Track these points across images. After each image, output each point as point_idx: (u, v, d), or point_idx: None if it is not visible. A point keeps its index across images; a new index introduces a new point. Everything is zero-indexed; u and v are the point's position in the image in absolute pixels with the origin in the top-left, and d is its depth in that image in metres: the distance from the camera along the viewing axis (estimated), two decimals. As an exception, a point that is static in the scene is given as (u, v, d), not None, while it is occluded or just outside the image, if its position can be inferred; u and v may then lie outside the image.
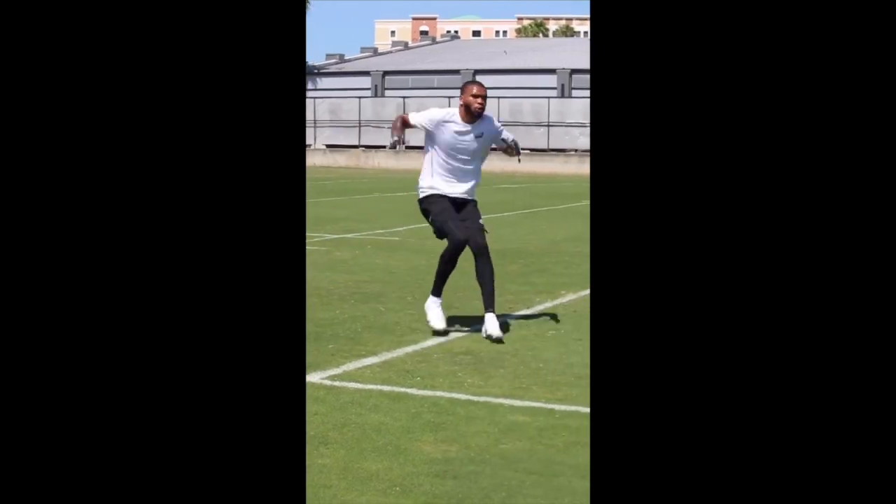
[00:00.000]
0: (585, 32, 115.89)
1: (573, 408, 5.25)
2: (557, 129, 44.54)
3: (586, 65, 56.40)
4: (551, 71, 54.88)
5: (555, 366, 6.21)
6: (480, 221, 7.29)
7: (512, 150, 7.43)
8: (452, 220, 7.17)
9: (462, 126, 7.24)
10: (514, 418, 5.05)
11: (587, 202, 22.08)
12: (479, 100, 7.22)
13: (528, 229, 15.36)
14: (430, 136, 7.29)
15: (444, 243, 7.26)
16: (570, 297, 8.87)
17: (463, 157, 7.29)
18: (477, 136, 7.28)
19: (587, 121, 44.41)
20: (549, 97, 46.86)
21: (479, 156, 7.38)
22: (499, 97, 45.52)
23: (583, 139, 44.51)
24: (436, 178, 7.31)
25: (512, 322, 7.65)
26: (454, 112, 7.27)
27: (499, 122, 7.68)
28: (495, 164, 40.90)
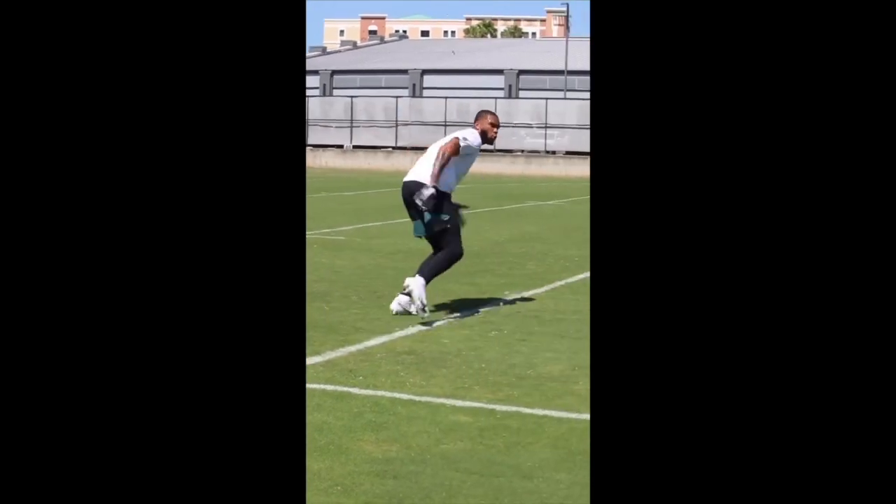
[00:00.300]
0: (534, 33, 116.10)
1: (514, 408, 5.29)
2: (504, 130, 44.52)
3: (534, 65, 56.63)
4: (499, 71, 54.97)
5: (497, 366, 6.26)
6: (460, 211, 8.32)
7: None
8: (459, 233, 8.13)
9: (479, 147, 8.22)
10: (455, 418, 5.09)
11: (533, 203, 22.17)
12: (495, 130, 8.32)
13: (471, 230, 15.37)
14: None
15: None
16: (514, 296, 8.93)
17: (462, 173, 8.24)
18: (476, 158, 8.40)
19: (534, 122, 44.57)
20: (496, 97, 46.96)
21: None
22: (446, 97, 45.59)
23: (529, 140, 44.64)
24: (449, 181, 8.04)
25: (454, 322, 7.69)
26: (478, 137, 8.17)
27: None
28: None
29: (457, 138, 7.97)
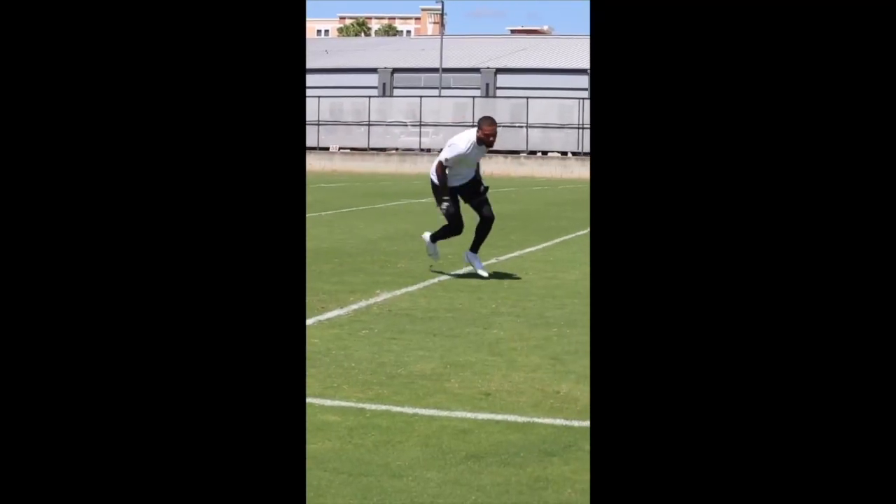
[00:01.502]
0: (409, 31, 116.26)
1: (384, 407, 5.23)
2: (378, 128, 44.59)
3: (408, 64, 56.70)
4: (373, 70, 54.88)
5: (367, 365, 6.19)
6: (482, 191, 10.10)
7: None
8: (460, 215, 10.02)
9: (476, 151, 9.80)
10: (324, 417, 5.00)
11: (406, 201, 22.15)
12: (492, 137, 9.76)
13: (343, 228, 15.30)
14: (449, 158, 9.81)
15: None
16: (385, 296, 8.87)
17: (470, 167, 9.99)
18: (485, 153, 10.06)
19: (408, 119, 44.60)
20: (370, 96, 46.86)
21: (478, 161, 10.11)
22: (319, 96, 45.31)
23: (403, 138, 44.68)
24: (449, 179, 9.92)
25: (324, 321, 7.60)
26: (473, 140, 9.74)
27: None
28: (313, 163, 40.69)
29: (440, 162, 9.80)
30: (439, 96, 48.46)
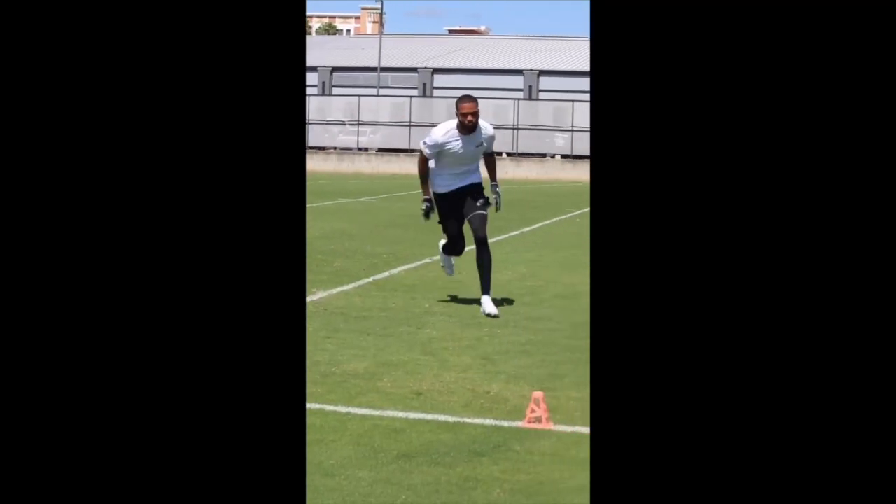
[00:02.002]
0: (348, 31, 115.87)
1: (317, 406, 5.26)
2: (317, 127, 44.43)
3: (347, 63, 56.55)
4: (313, 69, 54.60)
5: (301, 364, 6.21)
6: (479, 204, 8.27)
7: (495, 201, 8.42)
8: (455, 219, 8.35)
9: (462, 140, 8.14)
10: (257, 417, 5.03)
11: (343, 200, 22.13)
12: (469, 116, 8.02)
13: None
14: (436, 154, 8.21)
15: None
16: (321, 294, 8.89)
17: (463, 165, 8.26)
18: (477, 146, 8.24)
19: (347, 119, 44.51)
20: (310, 95, 46.69)
21: (476, 158, 8.36)
22: (258, 92, 45.03)
23: (342, 137, 44.58)
24: (438, 184, 8.33)
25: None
26: (453, 128, 8.12)
27: (488, 124, 8.51)
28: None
29: (420, 152, 8.34)
30: (377, 95, 48.41)
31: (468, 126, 8.03)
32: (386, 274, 10.35)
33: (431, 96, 50.06)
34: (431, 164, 8.28)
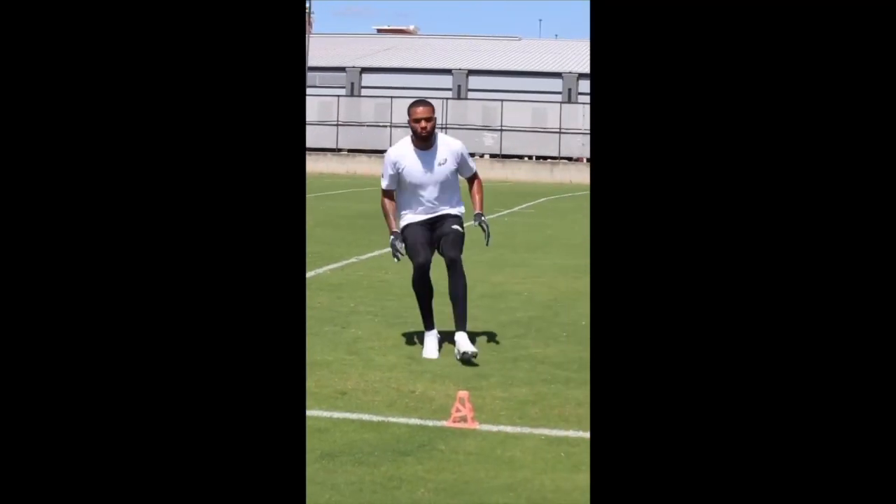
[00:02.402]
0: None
1: (240, 406, 5.21)
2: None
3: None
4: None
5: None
6: (454, 227, 6.71)
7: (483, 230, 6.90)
8: (419, 244, 6.70)
9: (419, 156, 6.68)
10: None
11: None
12: (423, 122, 6.59)
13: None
14: (395, 180, 6.80)
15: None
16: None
17: (433, 194, 6.73)
18: (440, 164, 6.70)
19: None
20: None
21: (448, 185, 6.77)
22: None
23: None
24: (407, 216, 6.81)
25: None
26: (406, 142, 6.75)
27: (454, 139, 7.02)
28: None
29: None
30: (305, 95, 48.19)
31: (422, 136, 6.60)
32: (311, 273, 10.28)
33: (360, 95, 49.98)
34: (399, 196, 6.88)
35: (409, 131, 6.72)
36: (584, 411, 5.24)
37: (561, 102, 48.28)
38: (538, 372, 6.19)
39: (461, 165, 6.83)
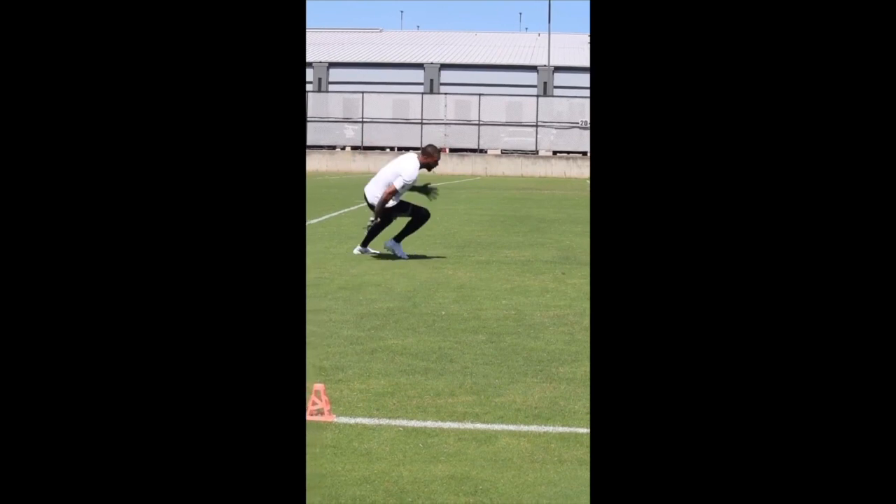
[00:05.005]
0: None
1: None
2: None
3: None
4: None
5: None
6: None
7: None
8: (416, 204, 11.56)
9: (419, 173, 11.37)
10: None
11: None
12: (436, 165, 11.69)
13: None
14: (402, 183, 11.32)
15: None
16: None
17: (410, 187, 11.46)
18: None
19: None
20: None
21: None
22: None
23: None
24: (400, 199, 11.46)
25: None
26: (416, 165, 11.29)
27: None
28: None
29: (393, 186, 11.16)
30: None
31: (429, 168, 11.53)
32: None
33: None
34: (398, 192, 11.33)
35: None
36: (443, 401, 5.24)
37: (423, 93, 48.49)
38: (396, 363, 6.16)
39: None
